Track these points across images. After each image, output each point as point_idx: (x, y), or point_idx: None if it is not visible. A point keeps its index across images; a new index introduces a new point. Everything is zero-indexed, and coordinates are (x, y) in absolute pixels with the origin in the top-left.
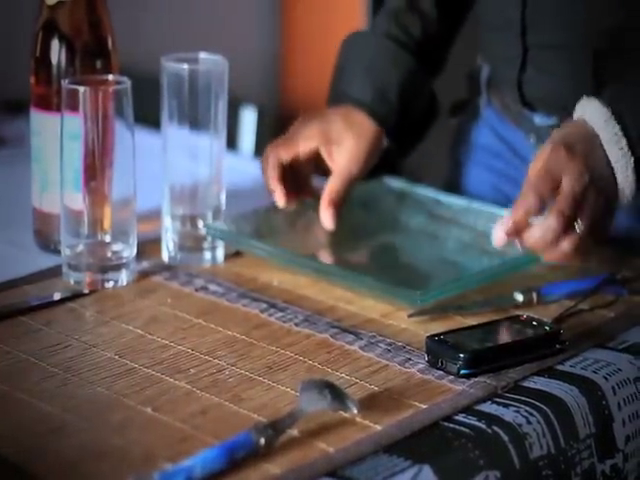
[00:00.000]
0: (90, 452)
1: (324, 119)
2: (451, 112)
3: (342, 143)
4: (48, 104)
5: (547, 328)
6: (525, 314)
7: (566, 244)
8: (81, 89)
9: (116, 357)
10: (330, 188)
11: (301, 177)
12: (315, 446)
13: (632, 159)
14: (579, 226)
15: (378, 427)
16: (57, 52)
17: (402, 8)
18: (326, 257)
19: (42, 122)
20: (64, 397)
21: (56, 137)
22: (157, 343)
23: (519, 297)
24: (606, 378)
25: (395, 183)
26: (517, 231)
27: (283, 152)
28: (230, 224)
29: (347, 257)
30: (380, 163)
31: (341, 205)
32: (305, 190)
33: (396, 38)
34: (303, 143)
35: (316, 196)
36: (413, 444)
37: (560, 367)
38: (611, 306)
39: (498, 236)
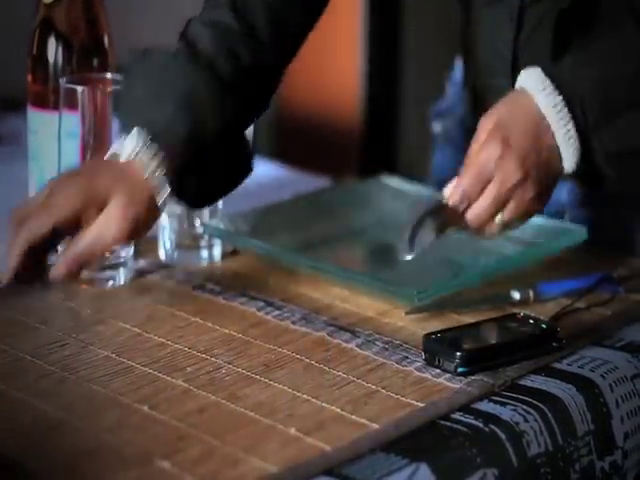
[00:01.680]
0: (86, 450)
1: (85, 171)
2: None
3: (107, 203)
4: (45, 102)
5: (544, 326)
6: (522, 312)
7: (487, 230)
8: (79, 88)
9: (113, 355)
10: (77, 250)
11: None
12: (312, 444)
13: (576, 136)
14: (502, 217)
15: (375, 425)
16: (54, 50)
17: (233, 30)
18: (323, 255)
19: (39, 120)
20: (61, 395)
21: (53, 135)
22: (154, 341)
23: (516, 295)
24: (603, 376)
25: (392, 181)
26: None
27: (39, 224)
28: (227, 223)
29: (344, 255)
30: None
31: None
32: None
33: (217, 70)
34: (63, 206)
35: (314, 191)
36: (410, 442)
37: (557, 365)
38: (608, 304)
39: None
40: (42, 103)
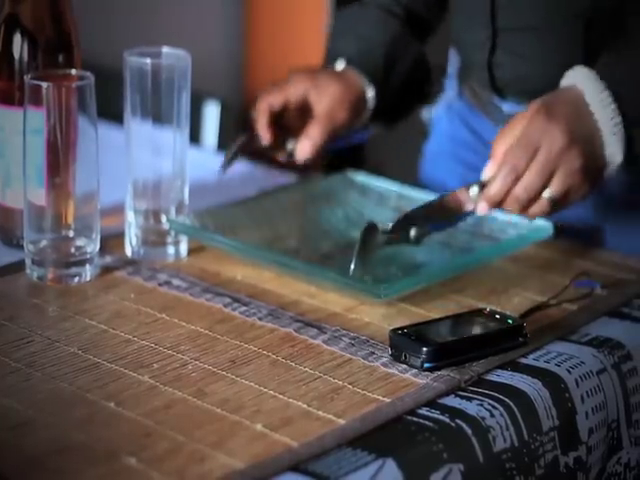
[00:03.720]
0: (54, 447)
1: (312, 70)
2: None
3: (328, 88)
4: (10, 99)
5: (510, 321)
6: (488, 308)
7: (535, 208)
8: (44, 85)
9: (79, 352)
10: (311, 131)
11: (290, 125)
12: (278, 440)
13: (622, 127)
14: (550, 191)
15: (341, 421)
16: (19, 47)
17: None
18: (290, 251)
19: (4, 117)
20: (27, 392)
21: (19, 132)
22: (120, 338)
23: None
24: (569, 371)
25: (358, 177)
26: (496, 204)
27: (273, 98)
28: (193, 219)
29: (311, 251)
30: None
31: (320, 149)
32: (292, 134)
33: (384, 7)
34: (292, 88)
35: (280, 187)
36: (377, 438)
37: (523, 360)
38: (581, 301)
39: (482, 209)
40: (7, 100)
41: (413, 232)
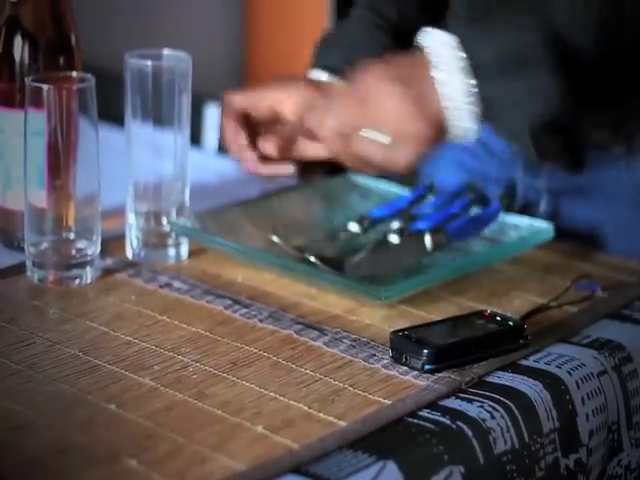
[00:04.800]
0: (54, 449)
1: (292, 78)
2: None
3: (297, 97)
4: (11, 101)
5: (511, 323)
6: (489, 309)
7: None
8: (45, 87)
9: (80, 354)
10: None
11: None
12: (279, 442)
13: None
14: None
15: (342, 423)
16: (20, 49)
17: None
18: (290, 253)
19: (5, 119)
20: (28, 394)
21: (19, 134)
22: (121, 340)
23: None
24: (570, 373)
25: (360, 179)
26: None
27: (241, 98)
28: (194, 221)
29: (311, 253)
30: None
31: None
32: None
33: (371, 21)
34: (260, 94)
35: (282, 189)
36: (377, 440)
37: (524, 362)
38: (581, 303)
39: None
40: (8, 101)
41: (429, 241)
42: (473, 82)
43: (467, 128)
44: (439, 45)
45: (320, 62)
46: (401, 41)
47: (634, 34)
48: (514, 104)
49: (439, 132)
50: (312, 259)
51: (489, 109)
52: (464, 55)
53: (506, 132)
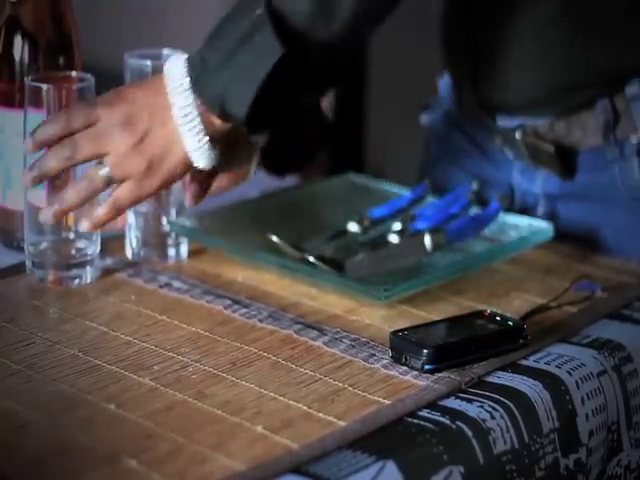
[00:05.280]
0: (54, 449)
1: None
2: (420, 109)
3: None
4: (11, 101)
5: (510, 323)
6: (489, 309)
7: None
8: (44, 87)
9: (80, 354)
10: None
11: None
12: (279, 442)
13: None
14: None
15: (342, 423)
16: (20, 48)
17: None
18: (290, 253)
19: (5, 119)
20: (28, 394)
21: (19, 134)
22: (121, 340)
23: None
24: (569, 373)
25: (359, 179)
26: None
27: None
28: (194, 221)
29: (311, 253)
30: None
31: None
32: None
33: None
34: None
35: (281, 190)
36: (377, 440)
37: (524, 362)
38: (581, 303)
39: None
40: (8, 101)
41: (429, 241)
42: (198, 88)
43: (205, 149)
44: (174, 70)
45: None
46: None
47: None
48: (237, 76)
49: (168, 165)
50: (312, 259)
51: (220, 99)
52: (190, 71)
53: (235, 107)
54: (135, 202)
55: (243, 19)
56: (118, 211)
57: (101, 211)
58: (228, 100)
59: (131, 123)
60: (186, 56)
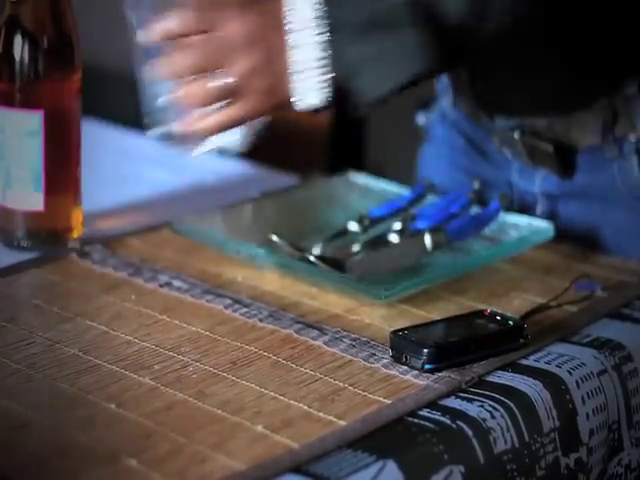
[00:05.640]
0: (54, 449)
1: None
2: (417, 107)
3: None
4: (11, 101)
5: (511, 323)
6: (489, 309)
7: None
8: (45, 86)
9: (80, 354)
10: None
11: None
12: (279, 442)
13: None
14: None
15: (342, 422)
16: (20, 48)
17: None
18: (291, 253)
19: (5, 118)
20: (28, 394)
21: (19, 134)
22: (121, 339)
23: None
24: (570, 372)
25: (359, 179)
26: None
27: None
28: (194, 220)
29: (311, 253)
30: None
31: None
32: None
33: None
34: None
35: (282, 189)
36: (377, 439)
37: (524, 362)
38: (581, 302)
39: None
40: (8, 101)
41: (429, 241)
42: (329, 42)
43: (311, 95)
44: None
45: None
46: None
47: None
48: (379, 63)
49: (281, 95)
50: (312, 259)
51: (349, 71)
52: (323, 14)
53: (364, 91)
54: (246, 119)
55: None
56: (226, 125)
57: (212, 119)
58: (359, 79)
59: (259, 40)
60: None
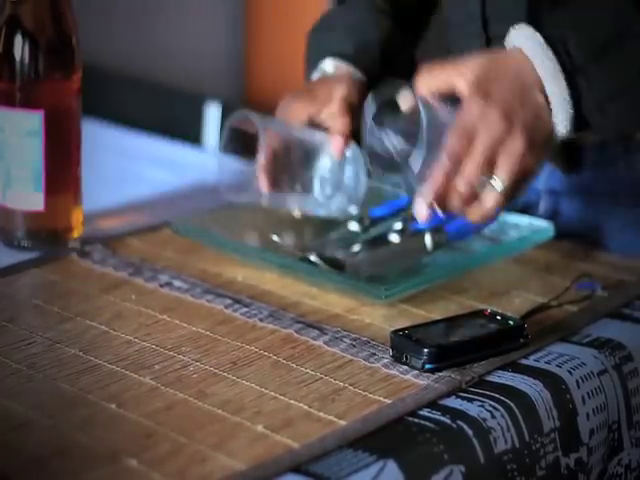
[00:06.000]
0: (55, 448)
1: (306, 90)
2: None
3: (332, 98)
4: (11, 100)
5: (511, 322)
6: (489, 309)
7: (487, 201)
8: (44, 86)
9: (80, 353)
10: (334, 127)
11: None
12: (279, 442)
13: (572, 97)
14: (499, 179)
15: (342, 422)
16: (20, 48)
17: None
18: (291, 253)
19: (5, 118)
20: (28, 394)
21: (19, 133)
22: (121, 339)
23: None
24: (570, 372)
25: None
26: (438, 199)
27: (275, 142)
28: (195, 220)
29: (312, 253)
30: None
31: (349, 138)
32: None
33: (376, 6)
34: (294, 121)
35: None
36: (378, 439)
37: (524, 361)
38: (582, 302)
39: (420, 211)
40: (8, 101)
41: (429, 240)
42: (577, 82)
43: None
44: (533, 44)
45: (323, 48)
46: (403, 24)
47: None
48: (622, 96)
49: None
50: (313, 258)
51: (596, 108)
52: (558, 54)
53: (608, 125)
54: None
55: (625, 33)
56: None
57: (489, 203)
58: (605, 116)
59: (510, 122)
60: (540, 40)
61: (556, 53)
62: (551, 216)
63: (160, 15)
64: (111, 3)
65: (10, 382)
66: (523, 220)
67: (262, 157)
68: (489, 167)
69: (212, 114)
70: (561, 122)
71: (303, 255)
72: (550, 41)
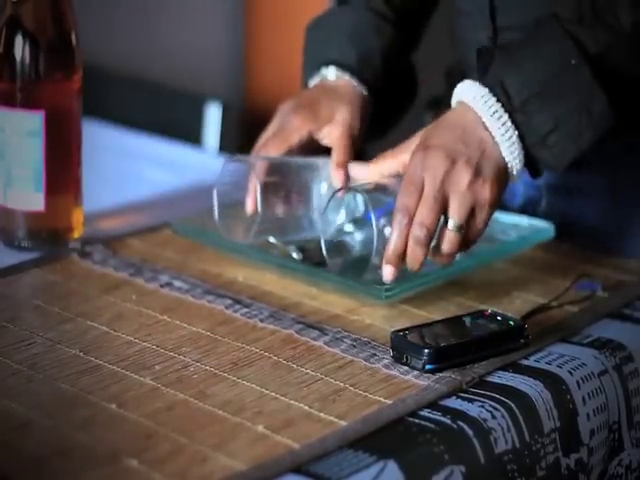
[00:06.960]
0: (55, 449)
1: (307, 102)
2: (427, 107)
3: (333, 118)
4: (11, 100)
5: (511, 323)
6: (490, 309)
7: (445, 245)
8: (44, 86)
9: (81, 354)
10: (337, 158)
11: None
12: (280, 442)
13: (515, 132)
14: (452, 219)
15: (343, 423)
16: (21, 48)
17: None
18: (291, 253)
19: (6, 118)
20: (29, 394)
21: (20, 134)
22: (122, 340)
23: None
24: (570, 372)
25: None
26: (401, 255)
27: (275, 150)
28: (195, 220)
29: (312, 253)
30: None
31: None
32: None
33: (376, 9)
34: (294, 135)
35: None
36: (378, 439)
37: (525, 362)
38: (582, 302)
39: (387, 274)
40: (9, 101)
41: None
42: (516, 119)
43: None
44: (473, 94)
45: (323, 54)
46: (405, 30)
47: None
48: (561, 127)
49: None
50: (295, 255)
51: (538, 141)
52: (496, 96)
53: (553, 157)
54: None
55: (563, 70)
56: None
57: (446, 245)
58: (548, 149)
59: (453, 160)
60: (479, 86)
61: (495, 95)
62: (552, 214)
63: (160, 15)
64: (111, 3)
65: (11, 382)
66: (523, 220)
67: (252, 186)
68: (443, 209)
69: (212, 114)
70: (511, 155)
71: (285, 249)
72: (488, 86)
